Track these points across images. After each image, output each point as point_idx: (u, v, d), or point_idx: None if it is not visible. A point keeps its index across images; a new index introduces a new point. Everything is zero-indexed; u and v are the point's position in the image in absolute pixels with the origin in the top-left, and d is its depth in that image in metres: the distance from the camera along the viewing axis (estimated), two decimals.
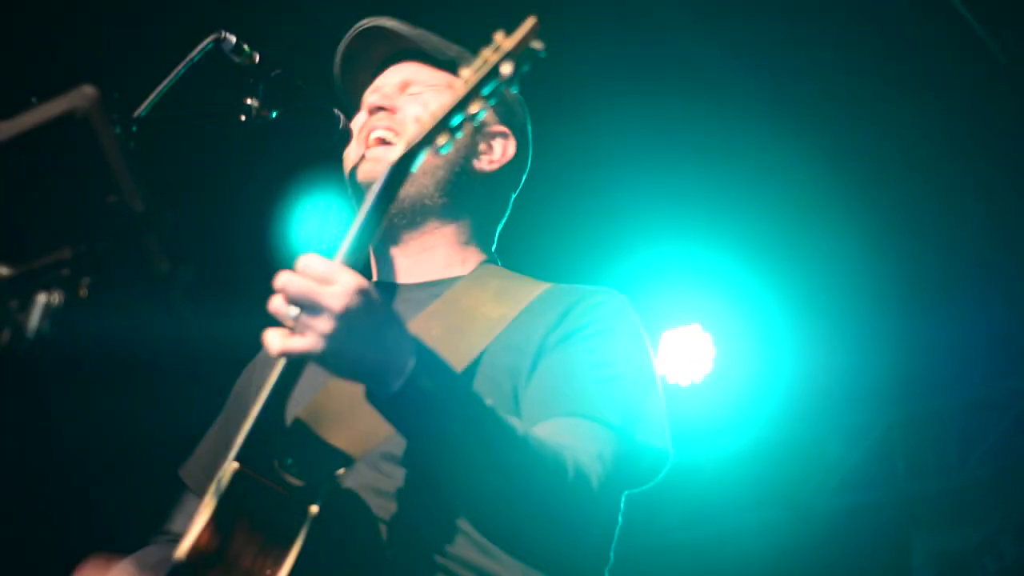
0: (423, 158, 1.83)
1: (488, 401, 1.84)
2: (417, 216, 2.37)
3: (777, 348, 6.86)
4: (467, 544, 1.98)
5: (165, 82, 2.16)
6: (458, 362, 2.06)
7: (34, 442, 5.43)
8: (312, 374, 1.88)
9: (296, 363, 1.80)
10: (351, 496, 1.96)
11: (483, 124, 2.42)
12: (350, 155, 2.41)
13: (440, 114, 1.79)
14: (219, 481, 1.81)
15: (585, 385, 2.08)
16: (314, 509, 1.80)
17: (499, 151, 2.47)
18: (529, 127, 2.57)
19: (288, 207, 5.84)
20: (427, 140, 1.80)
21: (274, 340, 1.68)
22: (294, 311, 1.68)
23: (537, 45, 1.75)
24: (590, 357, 2.12)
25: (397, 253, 2.40)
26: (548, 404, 2.06)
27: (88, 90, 1.47)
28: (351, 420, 1.98)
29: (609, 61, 5.52)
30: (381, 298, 1.73)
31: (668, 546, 7.33)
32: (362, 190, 2.35)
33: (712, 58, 5.55)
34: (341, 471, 1.92)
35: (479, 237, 2.44)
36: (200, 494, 2.16)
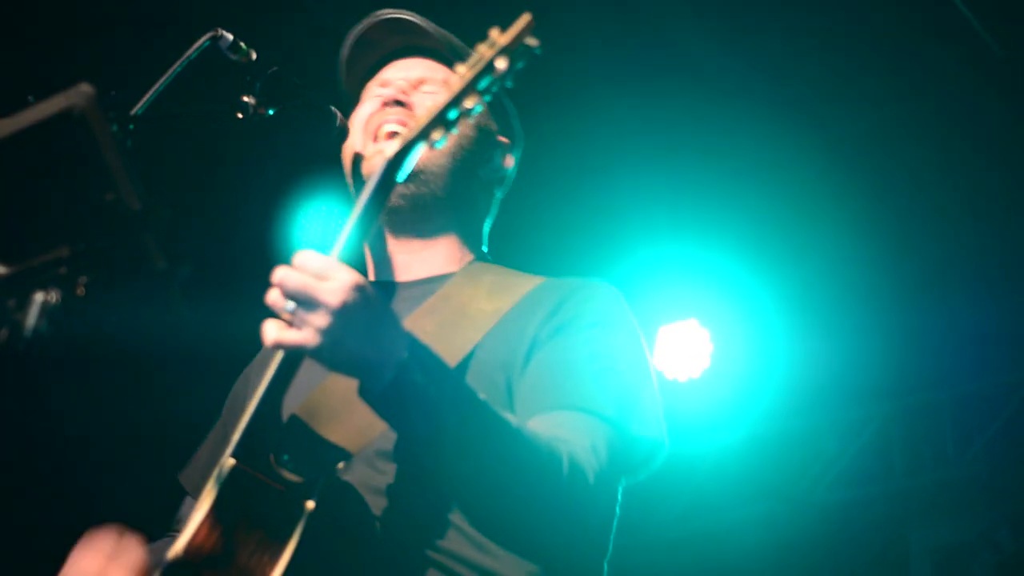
0: (419, 153, 1.84)
1: (482, 396, 1.85)
2: (422, 213, 2.37)
3: (774, 343, 6.87)
4: (462, 540, 1.98)
5: (162, 80, 2.16)
6: (451, 357, 2.06)
7: (31, 440, 5.42)
8: (308, 371, 1.89)
9: (292, 360, 1.81)
10: (347, 492, 1.96)
11: (491, 134, 2.47)
12: (352, 147, 2.42)
13: (435, 110, 1.80)
14: (216, 477, 1.81)
15: (579, 377, 2.08)
16: (310, 505, 1.81)
17: (501, 161, 2.51)
18: (522, 139, 2.60)
19: (285, 204, 5.84)
20: (423, 135, 1.81)
21: (271, 331, 1.70)
22: (291, 305, 1.69)
23: (532, 41, 1.76)
24: (583, 349, 2.12)
25: (395, 251, 2.41)
26: (542, 397, 2.06)
27: (85, 88, 1.48)
28: (347, 416, 1.99)
29: (606, 58, 5.52)
30: (376, 294, 1.74)
31: (665, 540, 7.34)
32: (362, 182, 2.35)
33: (708, 56, 5.55)
34: (340, 466, 1.92)
35: (473, 236, 2.47)
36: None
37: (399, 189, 2.28)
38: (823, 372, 6.83)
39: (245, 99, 2.21)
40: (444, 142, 1.82)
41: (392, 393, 1.75)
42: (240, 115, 2.21)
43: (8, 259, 1.52)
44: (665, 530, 7.38)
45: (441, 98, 1.80)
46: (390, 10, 2.51)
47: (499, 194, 2.55)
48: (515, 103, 2.57)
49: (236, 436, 1.85)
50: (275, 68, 2.24)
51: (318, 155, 2.51)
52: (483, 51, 1.78)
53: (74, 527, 2.16)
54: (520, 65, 1.77)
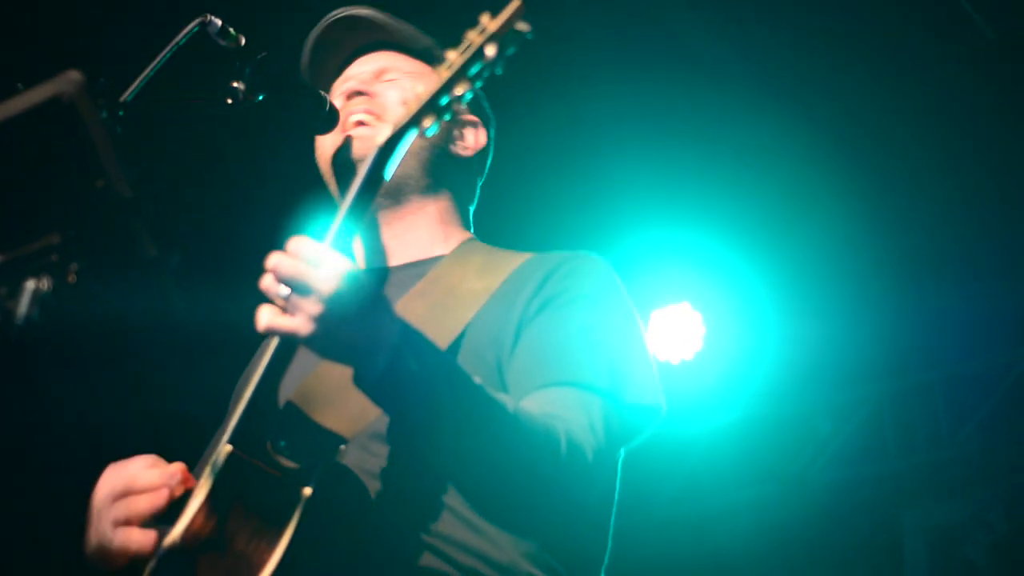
0: (410, 139, 1.84)
1: (476, 379, 1.85)
2: (400, 195, 2.38)
3: (766, 325, 6.88)
4: (458, 523, 1.98)
5: (151, 66, 2.15)
6: (443, 339, 2.07)
7: (23, 428, 5.42)
8: (303, 358, 1.89)
9: (287, 347, 1.81)
10: (344, 477, 1.96)
11: (457, 113, 2.45)
12: (326, 141, 2.42)
13: (426, 96, 1.80)
14: (213, 464, 1.82)
15: (569, 351, 2.08)
16: (307, 491, 1.81)
17: (472, 139, 2.51)
18: (493, 120, 2.59)
19: (278, 190, 5.82)
20: (414, 121, 1.82)
21: (264, 316, 1.71)
22: (284, 291, 1.69)
23: (522, 27, 1.75)
24: (572, 322, 2.12)
25: (381, 234, 2.41)
26: (534, 374, 2.06)
27: (74, 75, 1.47)
28: (342, 402, 1.99)
29: (598, 41, 5.51)
30: (368, 281, 1.74)
31: (659, 522, 7.36)
32: (345, 172, 2.35)
33: (701, 41, 5.55)
34: (341, 449, 1.93)
35: (458, 217, 2.47)
36: None
37: None
38: (816, 354, 6.84)
39: (235, 84, 2.21)
40: (436, 129, 1.82)
41: (386, 380, 1.75)
42: (230, 100, 2.21)
43: None
44: (658, 511, 7.40)
45: (431, 85, 1.80)
46: (343, 8, 2.51)
47: (480, 174, 2.56)
48: (508, 87, 2.56)
49: (232, 423, 1.85)
50: (264, 53, 2.24)
51: (310, 140, 2.50)
52: (473, 37, 1.78)
53: (64, 515, 2.15)
54: (511, 51, 1.77)
